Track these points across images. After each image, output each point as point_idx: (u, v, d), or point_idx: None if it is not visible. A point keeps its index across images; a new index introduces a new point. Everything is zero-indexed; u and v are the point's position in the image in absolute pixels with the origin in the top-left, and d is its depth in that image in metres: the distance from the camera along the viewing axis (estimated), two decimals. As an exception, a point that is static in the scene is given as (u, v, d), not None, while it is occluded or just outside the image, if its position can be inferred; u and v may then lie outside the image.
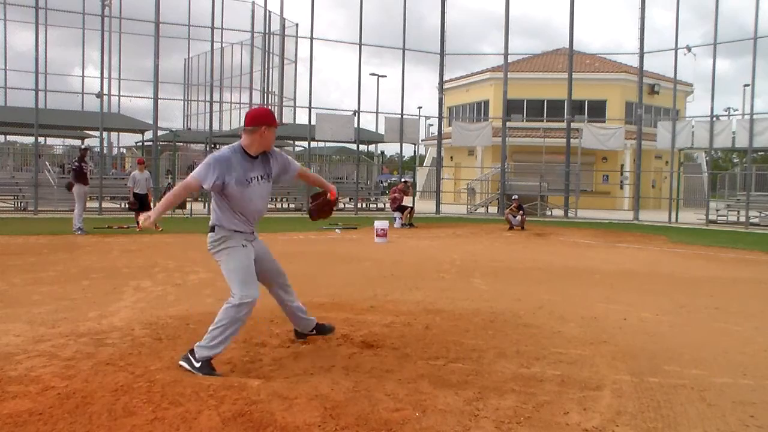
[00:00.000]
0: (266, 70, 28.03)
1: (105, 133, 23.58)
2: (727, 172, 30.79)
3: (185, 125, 34.32)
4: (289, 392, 3.43)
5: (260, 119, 3.91)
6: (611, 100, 31.82)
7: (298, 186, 25.11)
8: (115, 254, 9.82)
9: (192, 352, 3.85)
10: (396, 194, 17.78)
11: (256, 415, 3.10)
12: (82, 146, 20.26)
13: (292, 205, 24.74)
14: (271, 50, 28.54)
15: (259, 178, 3.99)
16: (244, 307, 3.83)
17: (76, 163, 13.28)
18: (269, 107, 28.54)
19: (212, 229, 3.97)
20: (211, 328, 3.86)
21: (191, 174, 3.88)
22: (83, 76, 30.22)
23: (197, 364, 3.78)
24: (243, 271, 3.90)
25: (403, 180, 19.68)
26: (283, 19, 24.85)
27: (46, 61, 25.33)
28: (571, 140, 23.54)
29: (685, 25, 70.34)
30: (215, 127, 25.57)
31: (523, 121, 31.75)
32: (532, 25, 77.20)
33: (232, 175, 3.84)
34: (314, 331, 4.60)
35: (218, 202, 3.97)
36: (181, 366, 3.84)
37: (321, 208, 4.53)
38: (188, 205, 20.41)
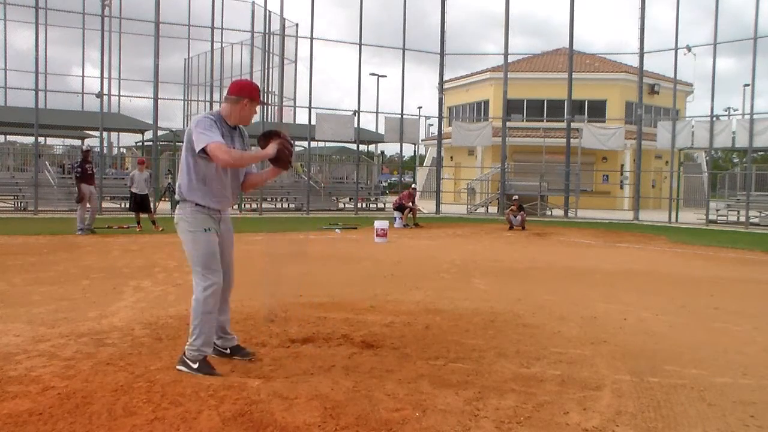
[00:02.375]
0: (266, 70, 28.05)
1: (105, 133, 23.59)
2: (727, 172, 30.80)
3: (185, 125, 34.35)
4: (289, 392, 3.43)
5: (244, 91, 3.76)
6: (611, 100, 31.80)
7: (299, 185, 25.14)
8: (115, 254, 9.82)
9: (184, 354, 3.81)
10: (413, 198, 17.89)
11: (256, 415, 3.10)
12: (84, 147, 20.24)
13: (291, 205, 24.73)
14: (271, 50, 28.55)
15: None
16: (210, 298, 3.70)
17: (78, 167, 13.25)
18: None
19: (179, 203, 3.77)
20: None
21: (208, 140, 3.54)
22: (83, 76, 30.29)
23: (194, 365, 3.74)
24: (206, 258, 3.73)
25: (413, 186, 19.55)
26: (283, 19, 24.86)
27: (46, 61, 25.38)
28: (571, 140, 23.53)
29: (692, 23, 70.58)
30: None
31: (523, 121, 31.74)
32: (533, 24, 77.27)
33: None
34: (229, 351, 4.09)
35: (191, 172, 3.71)
36: (179, 370, 3.78)
37: (280, 157, 3.77)
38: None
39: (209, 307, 3.73)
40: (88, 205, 12.97)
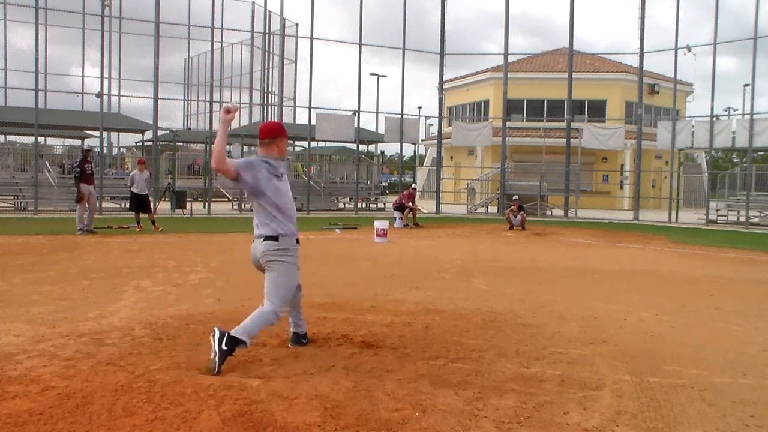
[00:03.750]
0: (266, 70, 28.06)
1: (105, 133, 23.58)
2: (727, 172, 30.76)
3: (185, 125, 34.35)
4: (289, 392, 3.43)
5: (275, 132, 4.34)
6: (611, 100, 31.81)
7: (298, 184, 25.14)
8: (115, 254, 9.82)
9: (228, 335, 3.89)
10: (413, 198, 17.81)
11: (256, 415, 3.10)
12: (85, 147, 20.23)
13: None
14: (271, 50, 28.56)
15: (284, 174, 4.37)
16: (275, 320, 4.18)
17: (77, 167, 13.22)
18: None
19: (276, 239, 4.16)
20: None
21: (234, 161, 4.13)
22: (83, 76, 30.30)
23: (224, 347, 3.80)
24: (287, 289, 4.22)
25: (413, 186, 19.40)
26: (283, 19, 24.86)
27: (46, 61, 25.39)
28: (571, 140, 23.53)
29: (692, 23, 70.72)
30: (215, 126, 25.52)
31: (523, 121, 31.75)
32: (533, 24, 77.30)
33: (263, 172, 4.12)
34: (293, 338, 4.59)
35: (266, 208, 4.16)
36: (211, 342, 3.83)
37: None
38: (188, 205, 20.43)
39: (267, 325, 4.15)
40: (87, 205, 12.98)
